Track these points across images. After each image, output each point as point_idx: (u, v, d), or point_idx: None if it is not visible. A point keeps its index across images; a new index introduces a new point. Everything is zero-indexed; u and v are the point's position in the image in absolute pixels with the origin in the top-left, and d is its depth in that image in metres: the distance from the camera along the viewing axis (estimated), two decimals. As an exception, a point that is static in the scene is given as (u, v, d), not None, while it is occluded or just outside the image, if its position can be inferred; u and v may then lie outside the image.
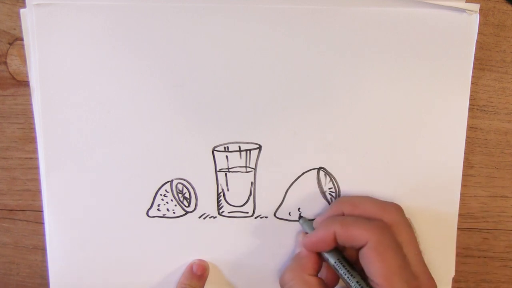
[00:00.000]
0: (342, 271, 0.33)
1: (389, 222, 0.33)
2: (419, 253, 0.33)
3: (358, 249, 0.32)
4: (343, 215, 0.35)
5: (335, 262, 0.34)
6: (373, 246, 0.31)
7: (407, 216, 0.34)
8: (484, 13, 0.37)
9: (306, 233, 0.37)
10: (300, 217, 0.38)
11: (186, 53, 0.36)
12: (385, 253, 0.31)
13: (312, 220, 0.37)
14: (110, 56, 0.35)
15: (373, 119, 0.37)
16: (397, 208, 0.34)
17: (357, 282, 0.32)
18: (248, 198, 0.38)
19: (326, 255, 0.34)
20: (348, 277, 0.33)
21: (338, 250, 0.34)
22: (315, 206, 0.38)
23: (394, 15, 0.35)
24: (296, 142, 0.37)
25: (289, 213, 0.38)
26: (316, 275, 0.34)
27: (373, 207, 0.34)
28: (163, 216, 0.38)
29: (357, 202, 0.35)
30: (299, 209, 0.38)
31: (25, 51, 0.36)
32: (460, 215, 0.38)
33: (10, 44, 0.37)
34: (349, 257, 0.34)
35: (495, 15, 0.37)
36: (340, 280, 0.35)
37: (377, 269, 0.31)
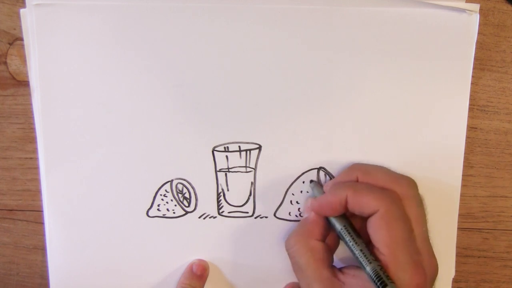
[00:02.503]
0: (347, 238, 0.33)
1: (401, 194, 0.33)
2: (425, 231, 0.33)
3: (367, 217, 0.32)
4: (356, 181, 0.34)
5: (341, 229, 0.33)
6: (382, 215, 0.31)
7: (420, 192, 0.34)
8: (484, 13, 0.37)
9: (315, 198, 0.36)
10: (311, 180, 0.37)
11: (186, 53, 0.36)
12: (393, 223, 0.31)
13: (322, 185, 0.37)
14: (110, 56, 0.35)
15: (373, 119, 0.37)
16: (410, 182, 0.34)
17: (361, 250, 0.32)
18: (248, 198, 0.38)
19: (333, 221, 0.34)
20: (352, 245, 0.32)
21: (345, 216, 0.34)
22: (315, 206, 0.38)
23: (394, 15, 0.35)
24: (296, 142, 0.37)
25: (289, 213, 0.38)
26: (322, 241, 0.34)
27: (386, 177, 0.34)
28: (163, 216, 0.38)
29: (370, 170, 0.34)
30: (299, 209, 0.38)
31: (25, 51, 0.36)
32: (460, 215, 0.38)
33: (10, 44, 0.37)
34: (355, 226, 0.34)
35: (495, 15, 0.37)
36: (343, 247, 0.35)
37: (383, 238, 0.31)
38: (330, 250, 0.34)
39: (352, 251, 0.32)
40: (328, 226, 0.34)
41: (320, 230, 0.34)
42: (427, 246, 0.32)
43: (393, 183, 0.33)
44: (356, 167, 0.35)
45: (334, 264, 0.35)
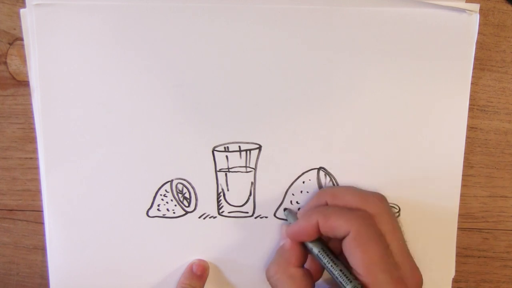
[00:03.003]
0: (325, 260, 0.33)
1: (372, 212, 0.32)
2: (403, 243, 0.32)
3: (341, 239, 0.32)
4: (326, 205, 0.34)
5: (318, 252, 0.33)
6: (354, 236, 0.31)
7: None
8: (484, 13, 0.37)
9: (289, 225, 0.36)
10: (285, 208, 0.38)
11: (186, 53, 0.36)
12: (366, 243, 0.31)
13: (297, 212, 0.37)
14: (110, 56, 0.35)
15: (373, 119, 0.37)
16: (379, 198, 0.34)
17: (340, 270, 0.32)
18: (248, 198, 0.38)
19: (310, 245, 0.34)
20: (331, 266, 0.33)
21: (322, 240, 0.34)
22: (315, 206, 0.38)
23: (394, 15, 0.35)
24: (296, 142, 0.37)
25: (289, 213, 0.38)
26: (301, 267, 0.34)
27: (354, 198, 0.34)
28: (163, 216, 0.38)
29: (337, 193, 0.34)
30: (299, 209, 0.38)
31: (25, 51, 0.36)
32: (460, 215, 0.38)
33: (10, 44, 0.37)
34: (334, 249, 0.34)
35: (495, 15, 0.37)
36: (325, 273, 0.35)
37: (359, 259, 0.31)
38: (311, 275, 0.34)
39: (331, 273, 0.33)
40: (305, 252, 0.35)
41: (298, 257, 0.34)
42: (407, 259, 0.32)
43: (362, 202, 0.33)
44: (324, 191, 0.36)
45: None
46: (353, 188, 0.36)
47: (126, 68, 0.36)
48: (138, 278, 0.39)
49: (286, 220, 0.38)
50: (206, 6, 0.35)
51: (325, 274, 0.36)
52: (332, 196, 0.34)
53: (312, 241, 0.34)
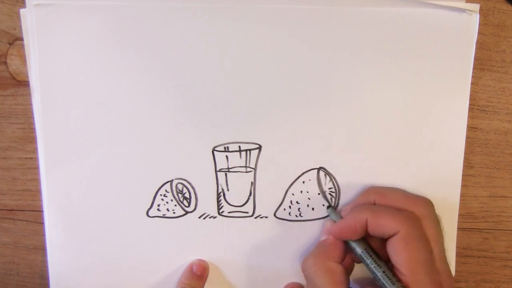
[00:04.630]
0: (368, 260, 0.33)
1: (419, 215, 0.33)
2: (443, 250, 0.33)
3: (386, 239, 0.32)
4: (374, 204, 0.34)
5: (362, 252, 0.33)
6: (402, 236, 0.31)
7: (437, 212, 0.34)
8: (484, 13, 0.37)
9: (334, 222, 0.36)
10: (329, 207, 0.37)
11: (186, 53, 0.36)
12: (414, 244, 0.31)
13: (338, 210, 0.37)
14: (110, 56, 0.35)
15: (373, 119, 0.37)
16: (427, 203, 0.34)
17: (384, 272, 0.32)
18: (248, 198, 0.38)
19: (353, 244, 0.34)
20: (374, 267, 0.33)
21: (365, 240, 0.34)
22: (315, 206, 0.38)
23: (394, 15, 0.35)
24: (296, 142, 0.37)
25: (289, 213, 0.38)
26: (340, 263, 0.34)
27: (404, 199, 0.34)
28: (163, 216, 0.38)
29: (387, 192, 0.35)
30: (299, 209, 0.38)
31: (25, 51, 0.36)
32: (460, 215, 0.38)
33: (10, 44, 0.37)
34: (375, 249, 0.34)
35: (495, 15, 0.37)
36: (362, 270, 0.35)
37: (404, 259, 0.31)
38: (347, 272, 0.34)
39: (374, 273, 0.33)
40: (346, 249, 0.35)
41: (339, 253, 0.34)
42: (445, 266, 0.32)
43: (411, 204, 0.33)
44: (373, 190, 0.36)
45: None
46: (401, 189, 0.36)
47: (126, 68, 0.36)
48: (138, 278, 0.39)
49: (286, 220, 0.38)
50: (206, 6, 0.35)
51: (360, 272, 0.36)
52: (380, 195, 0.34)
53: (355, 240, 0.34)
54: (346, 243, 0.34)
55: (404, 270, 0.31)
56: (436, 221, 0.33)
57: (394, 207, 0.33)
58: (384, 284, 0.32)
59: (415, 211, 0.33)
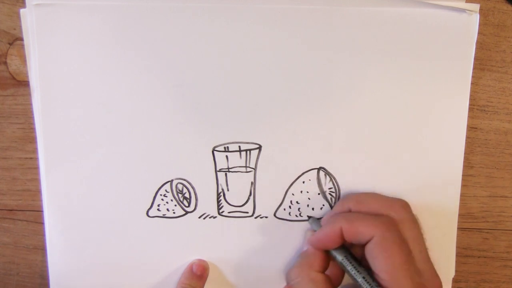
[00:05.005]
0: (349, 267, 0.33)
1: (396, 218, 0.33)
2: (424, 250, 0.33)
3: (364, 245, 0.32)
4: (350, 211, 0.35)
5: (342, 259, 0.34)
6: (378, 241, 0.31)
7: (414, 213, 0.34)
8: (484, 13, 0.37)
9: (314, 231, 0.37)
10: (309, 217, 0.38)
11: (186, 53, 0.36)
12: (390, 248, 0.31)
13: (320, 219, 0.37)
14: (110, 56, 0.35)
15: (373, 119, 0.37)
16: (403, 205, 0.34)
17: (363, 277, 0.32)
18: (248, 198, 0.38)
19: (333, 253, 0.34)
20: (354, 273, 0.33)
21: (345, 247, 0.34)
22: (315, 206, 0.38)
23: (394, 15, 0.35)
24: (296, 142, 0.37)
25: (289, 213, 0.38)
26: (323, 272, 0.34)
27: (378, 204, 0.34)
28: (163, 216, 0.38)
29: (362, 199, 0.35)
30: (299, 209, 0.38)
31: (25, 51, 0.36)
32: (460, 215, 0.38)
33: (10, 44, 0.37)
34: (356, 255, 0.35)
35: (495, 15, 0.37)
36: (347, 278, 0.36)
37: (382, 264, 0.31)
38: (332, 281, 0.34)
39: (355, 279, 0.33)
40: (328, 257, 0.35)
41: (320, 262, 0.34)
42: (428, 266, 0.32)
43: (387, 208, 0.33)
44: (349, 197, 0.36)
45: None
46: (377, 194, 0.36)
47: (126, 68, 0.36)
48: (138, 278, 0.39)
49: (286, 220, 0.38)
50: (206, 6, 0.35)
51: (345, 280, 0.36)
52: (356, 202, 0.35)
53: (335, 248, 0.34)
54: (327, 252, 0.35)
55: (383, 275, 0.31)
56: (414, 221, 0.33)
57: (370, 213, 0.34)
58: None
59: (391, 214, 0.33)
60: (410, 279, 0.31)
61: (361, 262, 0.34)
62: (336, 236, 0.33)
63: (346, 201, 0.35)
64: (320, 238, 0.34)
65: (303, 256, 0.35)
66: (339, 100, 0.36)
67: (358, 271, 0.33)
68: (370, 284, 0.32)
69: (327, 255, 0.35)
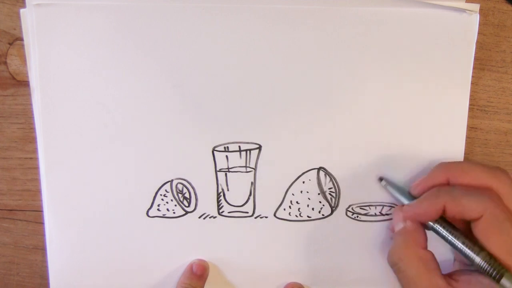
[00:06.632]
0: (444, 233, 0.32)
1: (500, 191, 0.31)
2: None
3: (469, 222, 0.31)
4: (447, 182, 0.33)
5: (434, 224, 0.32)
6: (489, 220, 0.30)
7: None
8: (484, 13, 0.37)
9: (402, 205, 0.35)
10: (381, 178, 0.36)
11: (186, 53, 0.36)
12: (503, 226, 0.30)
13: (392, 183, 0.36)
14: (110, 56, 0.35)
15: (373, 119, 0.37)
16: (506, 175, 0.32)
17: (463, 242, 0.31)
18: (248, 198, 0.38)
19: (431, 224, 0.33)
20: (452, 239, 0.31)
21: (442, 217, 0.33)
22: (315, 206, 0.38)
23: (394, 15, 0.35)
24: (296, 142, 0.37)
25: (289, 213, 0.38)
26: (427, 249, 0.32)
27: (484, 174, 0.32)
28: (163, 216, 0.38)
29: (466, 169, 0.33)
30: (299, 209, 0.38)
31: (25, 51, 0.36)
32: (460, 215, 0.38)
33: (10, 44, 0.37)
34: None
35: (495, 15, 0.37)
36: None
37: (498, 243, 0.30)
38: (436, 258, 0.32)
39: (454, 246, 0.31)
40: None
41: (424, 238, 0.32)
42: None
43: (491, 179, 0.32)
44: (446, 167, 0.34)
45: None
46: (477, 163, 0.34)
47: (126, 68, 0.36)
48: (138, 278, 0.39)
49: (286, 220, 0.38)
50: (206, 6, 0.35)
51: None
52: (461, 172, 0.32)
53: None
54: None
55: (500, 255, 0.29)
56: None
57: (473, 184, 0.32)
58: (467, 256, 0.30)
59: (495, 186, 0.31)
60: None
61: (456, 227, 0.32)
62: (438, 212, 0.31)
63: (445, 170, 0.33)
64: (419, 213, 0.32)
65: (404, 235, 0.33)
66: (339, 100, 0.36)
67: (455, 236, 0.31)
68: (473, 249, 0.30)
69: (424, 228, 0.33)
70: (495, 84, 0.38)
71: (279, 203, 0.38)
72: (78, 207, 0.37)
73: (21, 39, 0.37)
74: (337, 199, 0.38)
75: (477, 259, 0.30)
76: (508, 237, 0.30)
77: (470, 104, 0.37)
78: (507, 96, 0.38)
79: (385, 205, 0.38)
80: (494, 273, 0.29)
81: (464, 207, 0.30)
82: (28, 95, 0.37)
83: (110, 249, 0.38)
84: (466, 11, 0.35)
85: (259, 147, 0.37)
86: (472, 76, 0.36)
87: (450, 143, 0.37)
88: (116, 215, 0.37)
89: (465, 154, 0.37)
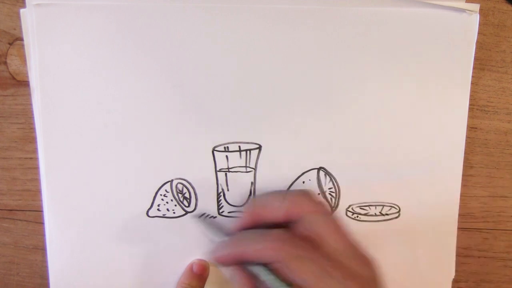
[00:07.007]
0: (270, 279, 0.30)
1: (300, 215, 0.31)
2: (343, 236, 0.31)
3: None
4: (257, 218, 0.33)
5: (262, 273, 0.31)
6: (283, 264, 0.29)
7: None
8: (484, 13, 0.37)
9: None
10: (201, 215, 0.36)
11: (186, 53, 0.36)
12: (299, 264, 0.29)
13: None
14: (110, 56, 0.35)
15: (373, 119, 0.37)
16: (304, 195, 0.32)
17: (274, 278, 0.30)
18: (248, 198, 0.38)
19: (251, 269, 0.31)
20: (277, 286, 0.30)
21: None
22: (315, 206, 0.38)
23: (394, 15, 0.35)
24: (296, 142, 0.37)
25: (289, 213, 0.38)
26: None
27: (280, 206, 0.32)
28: (163, 216, 0.38)
29: (266, 203, 0.33)
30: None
31: (25, 51, 0.36)
32: (460, 215, 0.38)
33: (10, 44, 0.37)
34: None
35: (495, 15, 0.37)
36: None
37: (301, 281, 0.29)
38: None
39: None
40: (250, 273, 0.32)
41: (247, 282, 0.31)
42: (353, 253, 0.30)
43: (292, 208, 0.31)
44: (253, 204, 0.34)
45: None
46: (275, 193, 0.34)
47: (126, 68, 0.36)
48: (138, 278, 0.38)
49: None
50: (206, 6, 0.35)
51: None
52: (260, 208, 0.33)
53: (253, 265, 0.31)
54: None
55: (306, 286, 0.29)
56: (321, 212, 0.31)
57: (275, 217, 0.32)
58: None
59: (298, 215, 0.31)
60: (335, 279, 0.28)
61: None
62: (237, 260, 0.31)
63: (253, 208, 0.33)
64: (220, 258, 0.32)
65: (235, 281, 0.32)
66: (339, 100, 0.36)
67: (279, 283, 0.30)
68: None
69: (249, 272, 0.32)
70: (495, 84, 0.38)
71: (279, 203, 0.38)
72: (78, 207, 0.37)
73: (21, 39, 0.37)
74: (337, 199, 0.38)
75: None
76: (307, 274, 0.29)
77: (470, 104, 0.37)
78: (507, 96, 0.38)
79: (385, 205, 0.38)
80: None
81: (256, 255, 0.30)
82: (28, 95, 0.37)
83: (110, 249, 0.38)
84: (466, 11, 0.35)
85: (259, 147, 0.37)
86: (472, 76, 0.36)
87: (450, 143, 0.37)
88: (116, 215, 0.37)
89: (465, 154, 0.37)
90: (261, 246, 0.30)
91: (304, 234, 0.31)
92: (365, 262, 0.31)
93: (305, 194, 0.33)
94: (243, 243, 0.31)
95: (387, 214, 0.38)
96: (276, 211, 0.32)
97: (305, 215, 0.31)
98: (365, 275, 0.30)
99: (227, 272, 0.37)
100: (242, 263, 0.31)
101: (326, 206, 0.32)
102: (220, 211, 0.38)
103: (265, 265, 0.31)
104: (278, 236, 0.31)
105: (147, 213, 0.38)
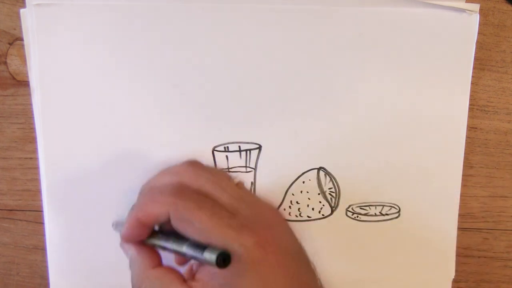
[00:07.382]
0: (167, 245, 0.30)
1: (188, 181, 0.31)
2: (231, 189, 0.31)
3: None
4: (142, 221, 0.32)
5: (156, 242, 0.31)
6: (176, 217, 0.29)
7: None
8: (484, 13, 0.37)
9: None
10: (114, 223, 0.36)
11: (186, 53, 0.36)
12: (191, 215, 0.29)
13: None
14: (110, 56, 0.35)
15: (373, 119, 0.37)
16: (186, 163, 0.33)
17: (187, 246, 0.29)
18: (248, 198, 0.38)
19: (149, 241, 0.32)
20: (176, 248, 0.30)
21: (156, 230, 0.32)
22: (315, 206, 0.38)
23: (394, 15, 0.35)
24: (296, 142, 0.37)
25: (289, 213, 0.38)
26: (161, 265, 0.31)
27: (168, 177, 0.32)
28: (163, 216, 0.38)
29: (153, 181, 0.33)
30: (299, 209, 0.38)
31: (25, 51, 0.36)
32: (460, 215, 0.38)
33: (10, 44, 0.37)
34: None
35: (495, 15, 0.37)
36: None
37: (193, 233, 0.29)
38: (177, 269, 0.31)
39: (182, 255, 0.30)
40: (154, 249, 0.32)
41: (151, 256, 0.31)
42: (242, 203, 0.30)
43: (175, 176, 0.32)
44: (143, 186, 0.34)
45: None
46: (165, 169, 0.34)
47: (126, 68, 0.36)
48: (138, 278, 0.38)
49: (286, 220, 0.38)
50: (206, 6, 0.35)
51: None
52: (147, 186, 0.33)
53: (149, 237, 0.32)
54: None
55: (202, 240, 0.28)
56: (206, 171, 0.32)
57: (162, 184, 0.31)
58: (196, 257, 0.28)
59: (182, 179, 0.31)
60: (226, 228, 0.28)
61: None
62: (139, 226, 0.31)
63: (132, 215, 0.32)
64: (125, 235, 0.32)
65: (132, 261, 0.32)
66: (339, 100, 0.36)
67: (178, 244, 0.30)
68: (197, 248, 0.28)
69: (152, 247, 0.32)
70: (495, 84, 0.38)
71: (279, 203, 0.38)
72: (78, 207, 0.37)
73: (21, 39, 0.37)
74: (337, 199, 0.38)
75: (184, 249, 0.29)
76: (198, 224, 0.28)
77: (470, 104, 0.37)
78: (507, 96, 0.38)
79: (385, 205, 0.38)
80: (201, 256, 0.28)
81: (150, 214, 0.30)
82: (28, 95, 0.37)
83: (110, 249, 0.38)
84: (466, 11, 0.35)
85: (259, 147, 0.37)
86: (472, 76, 0.36)
87: (450, 143, 0.37)
88: (116, 215, 0.37)
89: (465, 154, 0.37)
90: (156, 203, 0.30)
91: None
92: (257, 211, 0.30)
93: (186, 162, 0.33)
94: (135, 210, 0.31)
95: (387, 214, 0.38)
96: (158, 209, 0.31)
97: (190, 181, 0.31)
98: (257, 224, 0.29)
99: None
100: (144, 237, 0.31)
101: (198, 164, 0.32)
102: (220, 211, 0.38)
103: (163, 232, 0.31)
104: (169, 191, 0.30)
105: (147, 213, 0.38)
